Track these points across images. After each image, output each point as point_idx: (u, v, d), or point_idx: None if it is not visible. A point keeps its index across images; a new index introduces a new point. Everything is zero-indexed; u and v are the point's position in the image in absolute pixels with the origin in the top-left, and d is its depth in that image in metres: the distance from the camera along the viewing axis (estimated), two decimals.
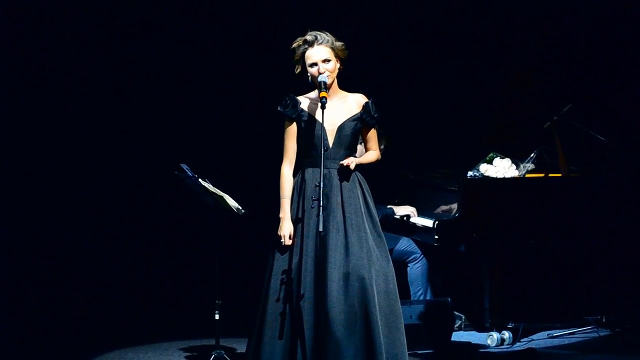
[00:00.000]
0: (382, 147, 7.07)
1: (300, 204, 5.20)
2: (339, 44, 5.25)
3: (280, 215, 5.23)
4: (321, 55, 5.21)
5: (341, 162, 5.19)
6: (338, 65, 5.26)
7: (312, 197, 5.13)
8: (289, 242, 5.17)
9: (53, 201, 8.14)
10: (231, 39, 8.34)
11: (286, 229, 5.19)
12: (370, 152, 5.41)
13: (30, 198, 8.08)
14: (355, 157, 5.34)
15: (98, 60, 8.18)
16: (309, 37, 5.22)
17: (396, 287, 5.22)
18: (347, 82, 5.37)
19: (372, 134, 5.39)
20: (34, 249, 8.08)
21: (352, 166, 5.18)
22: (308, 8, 8.04)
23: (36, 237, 8.10)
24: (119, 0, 8.14)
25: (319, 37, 5.22)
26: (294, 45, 5.26)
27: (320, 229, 4.94)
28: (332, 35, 5.26)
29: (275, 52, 7.77)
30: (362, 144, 5.49)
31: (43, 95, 8.09)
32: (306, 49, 5.23)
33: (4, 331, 7.49)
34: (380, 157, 5.44)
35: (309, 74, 5.24)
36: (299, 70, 5.28)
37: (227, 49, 8.34)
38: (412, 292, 7.13)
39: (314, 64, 5.21)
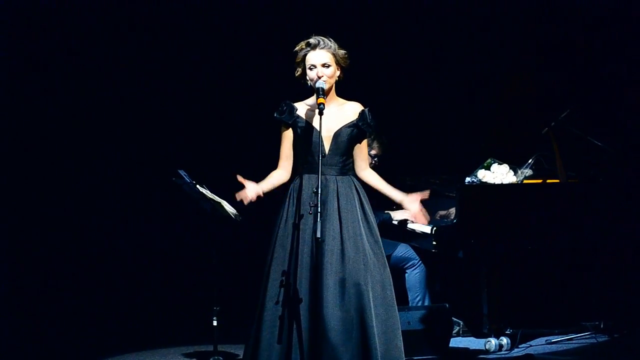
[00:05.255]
0: (373, 153, 7.10)
1: (297, 210, 5.19)
2: (341, 51, 5.26)
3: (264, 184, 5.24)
4: (321, 60, 5.21)
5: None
6: (338, 73, 5.26)
7: (309, 203, 5.12)
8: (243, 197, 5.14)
9: (51, 207, 8.14)
10: (230, 45, 8.35)
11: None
12: (375, 175, 5.39)
13: (29, 205, 8.08)
14: (352, 163, 5.33)
15: (98, 64, 8.18)
16: (312, 40, 5.24)
17: (393, 293, 5.22)
18: (344, 87, 5.37)
19: (365, 148, 5.37)
20: (33, 255, 8.08)
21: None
22: (307, 13, 8.05)
23: (34, 243, 8.09)
24: (116, 2, 8.15)
25: (321, 41, 5.23)
26: (297, 47, 5.27)
27: (318, 235, 4.94)
28: (336, 42, 5.26)
29: (273, 59, 7.78)
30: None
31: (42, 98, 8.10)
32: (308, 51, 5.24)
33: (3, 339, 7.48)
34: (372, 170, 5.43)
35: (307, 78, 5.24)
36: (299, 73, 5.29)
37: (225, 55, 8.34)
38: (410, 298, 7.13)
39: (313, 67, 5.21)
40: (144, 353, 7.07)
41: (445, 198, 7.05)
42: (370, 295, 5.08)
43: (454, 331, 7.14)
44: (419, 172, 7.67)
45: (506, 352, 6.83)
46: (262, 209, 5.66)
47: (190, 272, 8.13)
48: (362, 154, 5.35)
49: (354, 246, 5.13)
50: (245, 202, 5.18)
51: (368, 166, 5.39)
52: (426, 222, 5.50)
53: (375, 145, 7.11)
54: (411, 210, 5.39)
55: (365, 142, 5.36)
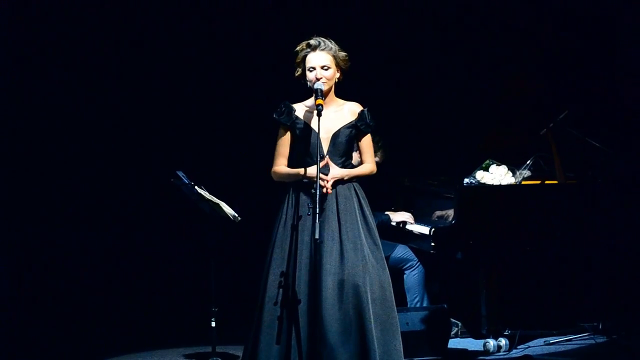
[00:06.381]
0: (376, 160, 7.07)
1: (296, 211, 5.19)
2: (342, 54, 5.26)
3: (301, 173, 5.20)
4: (321, 61, 5.21)
5: (323, 178, 5.13)
6: (337, 75, 5.26)
7: (307, 205, 5.12)
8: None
9: (50, 208, 8.13)
10: (229, 45, 8.34)
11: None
12: (364, 165, 5.37)
13: (28, 205, 8.07)
14: (352, 164, 5.35)
15: (96, 65, 8.17)
16: (312, 42, 5.23)
17: (392, 295, 5.22)
18: (344, 88, 5.36)
19: (367, 146, 5.36)
20: (33, 255, 8.07)
21: (329, 185, 5.13)
22: (308, 12, 8.05)
23: (34, 243, 8.08)
24: (115, 5, 8.14)
25: (322, 43, 5.22)
26: (298, 47, 5.27)
27: (317, 236, 4.94)
28: (337, 44, 5.26)
29: (273, 59, 7.77)
30: (358, 151, 5.47)
31: (42, 98, 8.09)
32: (308, 52, 5.24)
33: (3, 339, 7.48)
34: (375, 169, 5.40)
35: (307, 79, 5.24)
36: (298, 73, 5.29)
37: (223, 56, 8.34)
38: (408, 300, 7.13)
39: (313, 68, 5.21)
40: (142, 354, 7.06)
41: (443, 199, 7.05)
42: (369, 296, 5.08)
43: (453, 332, 7.13)
44: (418, 173, 7.68)
45: (505, 353, 6.83)
46: (261, 210, 5.66)
47: (189, 273, 8.12)
48: (366, 153, 5.36)
49: (353, 247, 5.13)
50: (324, 190, 5.12)
51: (372, 161, 5.38)
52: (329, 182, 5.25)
53: (379, 153, 7.08)
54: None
55: (367, 138, 5.34)
